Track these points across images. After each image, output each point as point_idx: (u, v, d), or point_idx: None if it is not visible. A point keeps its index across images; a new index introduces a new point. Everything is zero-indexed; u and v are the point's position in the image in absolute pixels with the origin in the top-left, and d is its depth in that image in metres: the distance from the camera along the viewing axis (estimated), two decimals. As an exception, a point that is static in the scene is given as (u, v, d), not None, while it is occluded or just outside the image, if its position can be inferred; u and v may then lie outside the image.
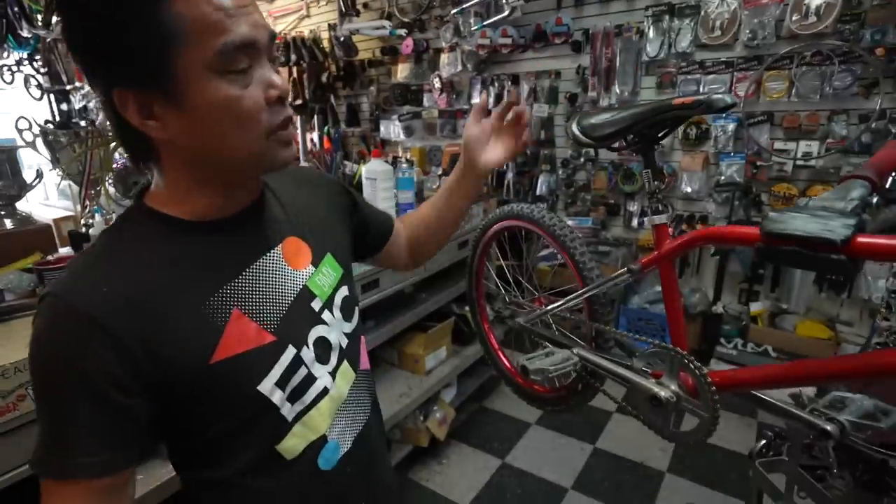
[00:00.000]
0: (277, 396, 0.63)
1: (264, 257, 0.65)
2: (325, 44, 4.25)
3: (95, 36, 0.52)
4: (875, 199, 0.66)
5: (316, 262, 0.71)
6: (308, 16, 4.45)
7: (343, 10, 3.10)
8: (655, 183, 0.82)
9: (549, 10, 3.15)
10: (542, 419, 2.50)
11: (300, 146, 2.82)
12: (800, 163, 2.65)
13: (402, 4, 3.80)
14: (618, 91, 3.09)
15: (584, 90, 3.24)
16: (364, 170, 1.86)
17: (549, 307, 1.01)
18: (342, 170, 2.21)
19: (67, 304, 0.54)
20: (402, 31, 2.76)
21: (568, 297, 0.97)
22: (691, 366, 0.75)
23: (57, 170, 1.55)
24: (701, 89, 2.80)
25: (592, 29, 3.09)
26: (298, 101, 4.48)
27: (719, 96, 0.69)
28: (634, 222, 3.27)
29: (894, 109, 2.39)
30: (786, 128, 2.67)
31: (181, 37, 0.50)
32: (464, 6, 3.00)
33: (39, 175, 1.49)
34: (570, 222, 3.44)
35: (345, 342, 0.73)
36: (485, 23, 2.80)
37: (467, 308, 1.47)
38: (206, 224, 0.62)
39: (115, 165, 1.71)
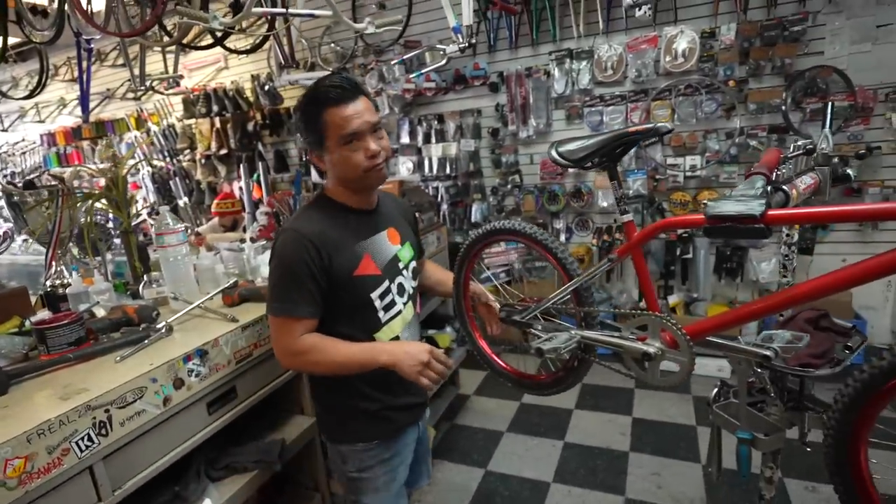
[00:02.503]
0: (378, 304, 1.20)
1: (379, 234, 1.24)
2: (249, 93, 4.30)
3: (304, 128, 1.16)
4: (768, 188, 0.95)
5: (402, 243, 1.29)
6: (227, 67, 4.49)
7: (283, 62, 3.22)
8: (620, 191, 1.07)
9: (467, 57, 3.51)
10: (513, 426, 2.68)
11: (245, 196, 2.85)
12: (689, 174, 3.19)
13: (325, 55, 4.01)
14: (534, 124, 3.50)
15: (505, 125, 3.62)
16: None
17: (548, 300, 1.21)
18: (303, 212, 2.31)
19: (299, 231, 1.12)
20: (343, 81, 2.94)
21: (561, 289, 1.18)
22: (670, 324, 0.99)
23: (23, 232, 1.49)
24: (604, 119, 3.28)
25: (506, 72, 3.50)
26: (223, 151, 4.45)
27: (663, 124, 0.96)
28: (562, 237, 3.64)
29: (749, 127, 2.99)
30: (674, 146, 3.20)
31: (329, 129, 1.11)
32: (393, 62, 3.28)
33: (8, 237, 1.43)
34: (502, 245, 3.76)
35: (412, 291, 1.31)
36: (422, 71, 3.08)
37: (455, 325, 1.63)
38: (356, 210, 1.22)
39: (75, 228, 1.69)
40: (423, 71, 3.11)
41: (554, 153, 1.10)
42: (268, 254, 1.91)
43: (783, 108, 2.84)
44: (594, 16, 3.18)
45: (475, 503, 2.14)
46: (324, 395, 1.28)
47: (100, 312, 1.39)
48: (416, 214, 1.43)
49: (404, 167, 4.00)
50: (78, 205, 1.59)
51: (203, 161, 4.63)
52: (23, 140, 6.05)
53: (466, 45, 2.33)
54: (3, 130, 6.18)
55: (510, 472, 2.32)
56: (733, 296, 3.37)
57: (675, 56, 3.01)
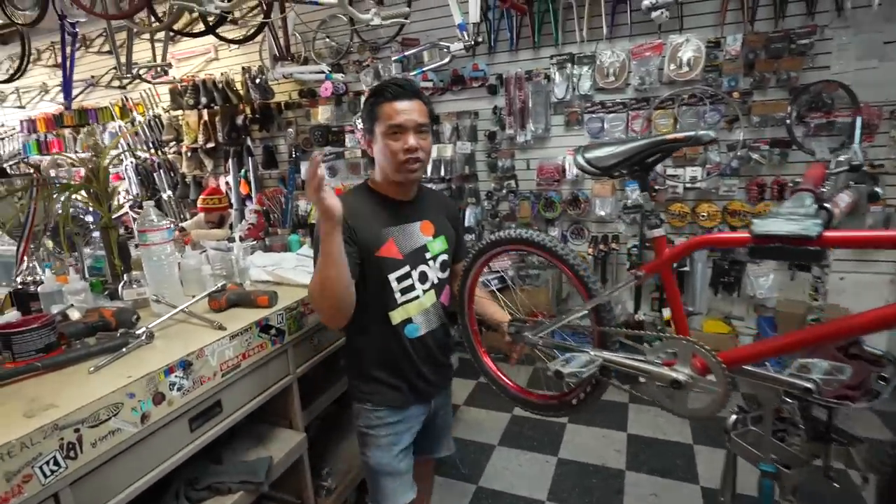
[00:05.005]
0: (395, 285, 1.30)
1: (411, 224, 1.35)
2: (239, 86, 4.16)
3: (365, 115, 1.31)
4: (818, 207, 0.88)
5: (435, 236, 1.39)
6: (216, 59, 4.34)
7: (277, 54, 3.09)
8: (651, 203, 1.00)
9: (466, 57, 3.43)
10: (505, 439, 2.60)
11: (233, 193, 2.71)
12: (688, 185, 3.15)
13: (319, 49, 3.89)
14: (532, 128, 3.43)
15: (502, 128, 3.54)
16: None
17: (565, 317, 1.13)
18: (296, 210, 2.18)
19: None
20: (340, 76, 2.83)
21: (580, 307, 1.10)
22: (703, 350, 0.91)
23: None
24: (605, 126, 3.22)
25: (505, 74, 3.42)
26: (210, 144, 4.30)
27: (705, 132, 0.89)
28: (558, 245, 3.58)
29: (751, 139, 2.97)
30: (674, 157, 3.16)
31: (380, 119, 1.27)
32: (394, 58, 3.17)
33: (-27, 232, 1.30)
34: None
35: (436, 281, 1.39)
36: (422, 69, 2.98)
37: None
38: (393, 200, 1.35)
39: (51, 221, 1.56)
40: (422, 69, 3.02)
41: (580, 159, 1.02)
42: (258, 255, 1.80)
43: (788, 121, 2.81)
44: (598, 21, 3.12)
45: (467, 521, 2.06)
46: (350, 356, 1.43)
47: (74, 315, 1.27)
48: (458, 214, 1.58)
49: (398, 168, 3.90)
50: (55, 196, 1.47)
51: (189, 154, 4.47)
52: (2, 126, 5.81)
53: (472, 43, 2.24)
54: (-19, 115, 5.92)
55: (503, 488, 2.23)
56: (729, 310, 3.34)
57: (679, 64, 2.96)
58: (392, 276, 1.30)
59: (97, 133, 4.64)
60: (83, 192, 1.45)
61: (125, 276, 1.45)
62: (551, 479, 2.27)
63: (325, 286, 1.15)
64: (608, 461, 2.37)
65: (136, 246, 1.40)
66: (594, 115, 3.25)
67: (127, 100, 4.61)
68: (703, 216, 3.17)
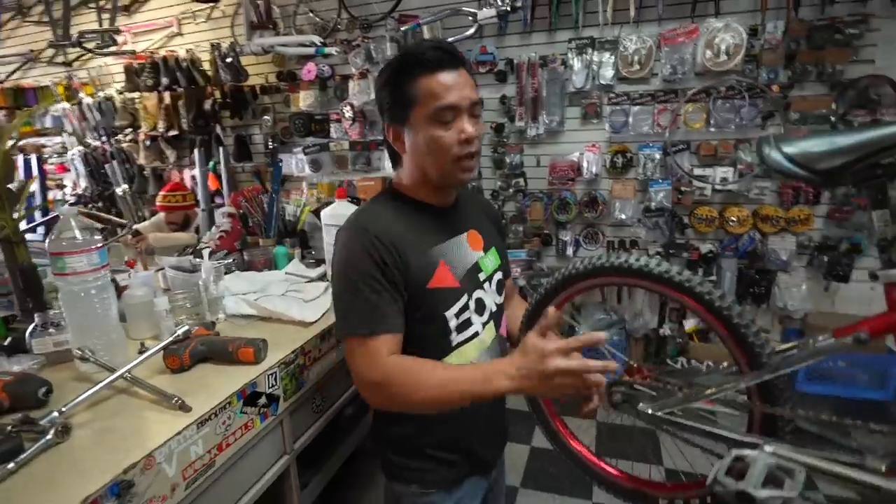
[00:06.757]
0: (453, 323, 1.00)
1: (457, 237, 1.05)
2: (207, 66, 3.64)
3: (387, 95, 0.99)
4: None
5: (485, 250, 1.09)
6: (180, 34, 3.80)
7: (256, 21, 2.59)
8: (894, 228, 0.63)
9: (472, 39, 3.02)
10: (528, 480, 2.23)
11: (200, 191, 2.24)
12: (718, 187, 2.84)
13: (301, 26, 3.41)
14: (546, 121, 3.06)
15: (511, 120, 3.15)
16: (326, 214, 1.45)
17: (713, 389, 0.75)
18: (282, 214, 1.72)
19: (363, 226, 0.95)
20: (335, 50, 2.37)
21: (739, 378, 0.73)
22: None
23: None
24: (630, 120, 2.88)
25: (517, 59, 3.04)
26: (173, 132, 3.76)
27: None
28: (569, 251, 3.23)
29: (792, 138, 2.67)
30: (703, 155, 2.85)
31: (418, 99, 0.93)
32: (403, 27, 2.70)
33: None
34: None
35: (494, 308, 1.08)
36: (449, 39, 2.54)
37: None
38: (429, 206, 1.04)
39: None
40: (449, 39, 2.56)
41: (776, 156, 0.64)
42: (234, 277, 1.36)
43: (832, 118, 2.53)
44: (624, 2, 2.77)
45: None
46: (389, 426, 1.07)
47: (-54, 386, 0.81)
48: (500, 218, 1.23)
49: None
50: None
51: (148, 143, 3.91)
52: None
53: (508, 7, 1.83)
54: None
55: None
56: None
57: (717, 53, 2.64)
58: (450, 313, 0.98)
59: (37, 117, 4.02)
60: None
61: (36, 316, 0.99)
62: (588, 534, 1.92)
63: (430, 406, 0.88)
64: None
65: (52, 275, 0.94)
66: (618, 108, 2.90)
67: (72, 78, 4.01)
68: (731, 221, 2.88)
